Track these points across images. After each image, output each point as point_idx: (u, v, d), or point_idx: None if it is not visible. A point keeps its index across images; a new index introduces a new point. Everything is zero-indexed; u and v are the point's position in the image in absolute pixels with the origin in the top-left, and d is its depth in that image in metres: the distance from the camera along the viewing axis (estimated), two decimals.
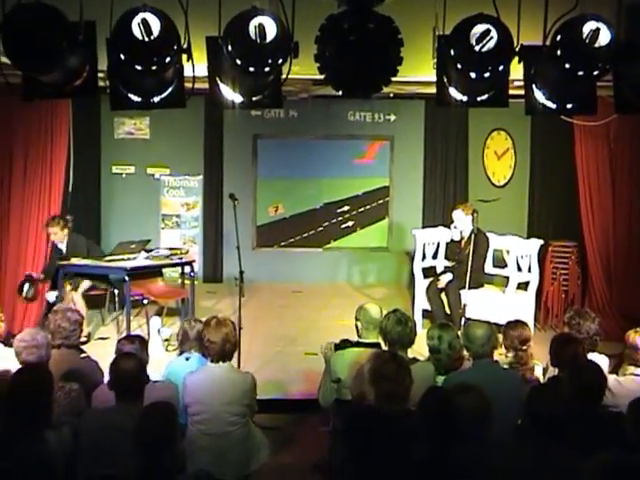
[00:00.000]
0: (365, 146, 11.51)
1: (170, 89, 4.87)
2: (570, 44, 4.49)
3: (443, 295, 8.53)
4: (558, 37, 4.52)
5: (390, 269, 11.56)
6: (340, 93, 5.01)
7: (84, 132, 10.03)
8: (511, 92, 5.15)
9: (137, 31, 4.36)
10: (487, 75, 4.60)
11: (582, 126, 8.42)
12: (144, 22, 4.34)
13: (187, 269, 8.82)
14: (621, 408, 4.42)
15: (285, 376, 7.31)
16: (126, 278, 7.89)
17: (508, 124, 10.96)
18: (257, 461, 4.99)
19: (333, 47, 4.72)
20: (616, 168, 8.75)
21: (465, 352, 5.22)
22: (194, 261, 9.05)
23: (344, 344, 5.49)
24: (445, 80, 5.04)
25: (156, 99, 4.88)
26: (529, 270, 8.59)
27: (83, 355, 5.26)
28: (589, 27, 4.43)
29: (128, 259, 8.21)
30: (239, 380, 4.90)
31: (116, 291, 8.82)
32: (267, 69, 4.59)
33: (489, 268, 9.06)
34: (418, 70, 6.05)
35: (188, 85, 4.89)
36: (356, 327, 5.46)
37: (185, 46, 4.59)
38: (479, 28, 4.52)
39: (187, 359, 5.31)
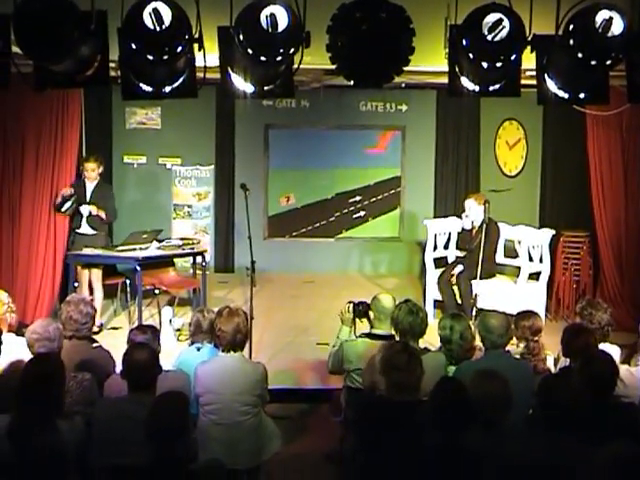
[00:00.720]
0: (377, 136, 11.47)
1: (181, 79, 4.87)
2: (583, 33, 4.46)
3: (454, 285, 8.51)
4: (571, 26, 4.50)
5: (401, 259, 11.54)
6: (352, 83, 5.01)
7: (95, 122, 10.07)
8: (523, 82, 5.14)
9: (148, 21, 4.37)
10: (499, 65, 4.59)
11: (594, 116, 8.36)
12: (155, 12, 4.34)
13: (199, 259, 8.83)
14: (633, 399, 4.42)
15: (297, 366, 7.32)
16: (138, 268, 7.90)
17: (520, 114, 10.90)
18: (269, 451, 5.00)
19: (345, 37, 4.71)
20: (628, 158, 8.69)
21: (477, 342, 5.22)
22: (206, 251, 9.06)
23: (363, 308, 5.50)
24: (457, 70, 5.03)
25: (167, 89, 4.88)
26: (540, 260, 8.57)
27: (95, 345, 5.26)
28: (602, 16, 4.41)
29: (140, 249, 8.22)
30: (250, 370, 4.90)
31: (128, 281, 8.84)
32: (279, 59, 4.59)
33: (500, 258, 9.04)
34: (430, 60, 6.01)
35: (199, 75, 4.89)
36: (368, 317, 5.47)
37: (196, 36, 4.59)
38: (491, 17, 4.50)
39: (198, 349, 5.31)
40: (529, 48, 4.72)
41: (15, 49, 4.51)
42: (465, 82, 5.02)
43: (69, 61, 4.49)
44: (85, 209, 8.25)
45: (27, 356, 4.58)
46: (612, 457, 3.11)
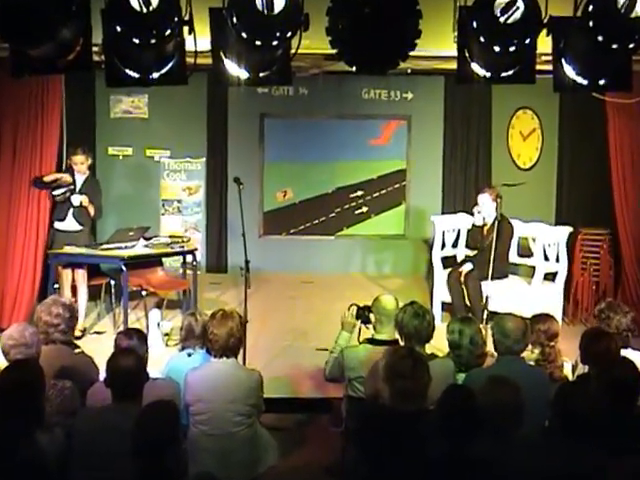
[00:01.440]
0: (380, 126, 11.47)
1: (170, 64, 4.87)
2: (603, 15, 4.46)
3: (464, 286, 8.51)
4: (590, 7, 4.49)
5: (407, 258, 11.54)
6: (354, 69, 5.01)
7: (78, 111, 10.04)
8: (538, 67, 5.14)
9: (135, 1, 4.36)
10: (512, 49, 4.58)
11: (615, 104, 8.34)
12: None
13: (189, 258, 8.84)
14: None
15: (294, 373, 7.31)
16: (123, 268, 7.88)
17: (535, 102, 10.89)
18: (264, 464, 5.00)
19: (346, 19, 4.72)
20: None
21: (489, 348, 5.22)
22: (196, 249, 9.06)
23: (366, 312, 5.51)
24: (467, 55, 5.03)
25: (155, 75, 4.88)
26: (557, 259, 8.57)
27: (77, 351, 5.26)
28: None
29: (125, 247, 8.21)
30: (244, 377, 4.90)
31: (112, 282, 8.84)
32: (275, 43, 4.59)
33: (514, 257, 9.04)
34: (438, 44, 6.02)
35: (190, 60, 4.89)
36: (367, 320, 5.48)
37: (187, 18, 4.59)
38: None
39: (189, 355, 5.32)
40: (545, 31, 4.72)
41: None
42: (475, 68, 5.02)
43: (49, 45, 4.49)
44: (76, 199, 8.27)
45: (3, 363, 4.57)
46: (632, 470, 3.11)
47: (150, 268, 8.76)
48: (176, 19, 4.49)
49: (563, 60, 4.98)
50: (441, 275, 8.93)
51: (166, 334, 8.07)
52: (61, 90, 8.42)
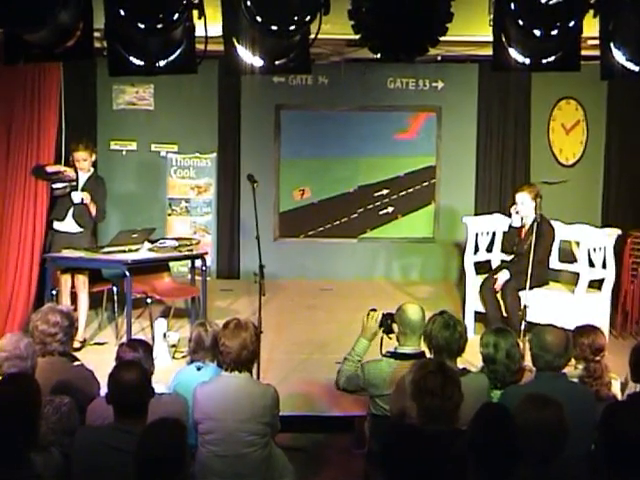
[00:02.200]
0: (407, 119, 11.47)
1: (178, 51, 4.88)
2: None
3: (499, 295, 8.48)
4: None
5: (436, 263, 11.53)
6: (378, 56, 5.00)
7: (77, 102, 10.09)
8: (583, 53, 5.10)
9: None
10: (555, 33, 4.56)
11: None
12: None
13: (198, 263, 8.84)
14: None
15: (312, 389, 7.31)
16: (127, 273, 7.91)
17: (579, 92, 10.87)
18: None
19: (370, 1, 4.70)
20: None
21: (527, 362, 5.19)
22: (206, 253, 9.09)
23: (389, 321, 5.50)
24: (504, 39, 5.01)
25: (162, 63, 4.90)
26: (603, 266, 8.51)
27: (76, 363, 5.27)
28: None
29: (129, 251, 8.24)
30: (258, 393, 4.90)
31: (115, 288, 8.86)
32: (293, 28, 4.59)
33: (555, 263, 9.00)
34: (471, 28, 6.02)
35: (200, 47, 4.90)
36: (389, 330, 5.46)
37: (196, 1, 4.59)
38: None
39: (199, 369, 5.32)
40: (591, 12, 4.69)
41: None
42: (513, 54, 5.00)
43: (46, 30, 4.51)
44: (77, 195, 8.29)
45: None
46: None
47: (156, 273, 8.78)
48: (185, 2, 4.50)
49: (612, 44, 4.94)
50: (474, 282, 8.89)
51: (173, 346, 8.09)
52: (59, 79, 8.46)
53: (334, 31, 5.19)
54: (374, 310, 5.57)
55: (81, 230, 8.38)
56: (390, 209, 11.55)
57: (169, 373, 5.69)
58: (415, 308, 5.44)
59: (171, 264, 9.15)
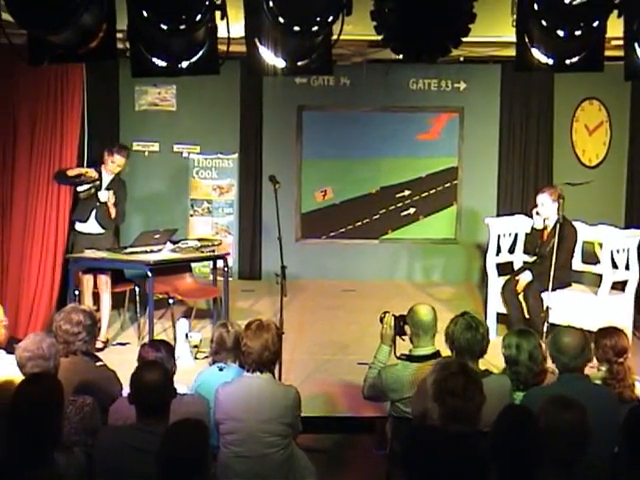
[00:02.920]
0: (430, 120, 11.45)
1: (201, 52, 4.89)
2: None
3: (522, 296, 8.45)
4: None
5: (458, 265, 11.51)
6: (401, 57, 4.99)
7: (100, 103, 10.15)
8: (607, 53, 5.08)
9: None
10: (578, 33, 4.54)
11: None
12: None
13: (220, 263, 8.87)
14: None
15: (334, 390, 7.31)
16: (149, 274, 7.94)
17: (603, 92, 10.82)
18: None
19: (393, 2, 4.70)
20: None
21: (549, 364, 5.17)
22: (228, 254, 9.10)
23: (400, 323, 5.51)
24: (527, 40, 4.99)
25: (184, 64, 4.90)
26: (627, 267, 8.47)
27: (99, 364, 5.28)
28: None
29: (151, 252, 8.27)
30: (280, 394, 4.90)
31: (137, 289, 8.90)
32: (315, 28, 4.58)
33: (578, 264, 8.95)
34: (494, 29, 6.00)
35: (222, 48, 4.90)
36: (402, 332, 5.47)
37: (219, 2, 4.60)
38: None
39: (220, 369, 5.33)
40: (616, 12, 4.66)
41: (6, 17, 4.55)
42: (537, 54, 4.98)
43: (69, 31, 4.52)
44: (104, 194, 8.34)
45: (18, 377, 4.60)
46: None
47: (178, 274, 8.81)
48: (207, 3, 4.50)
49: (636, 44, 4.91)
50: (496, 284, 8.87)
51: (195, 346, 8.11)
52: (82, 80, 8.50)
53: (356, 32, 5.19)
54: (387, 313, 5.59)
55: (103, 231, 8.42)
56: (412, 210, 11.54)
57: (191, 374, 5.70)
58: (426, 309, 5.45)
59: (193, 265, 9.18)
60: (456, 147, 11.44)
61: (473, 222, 11.12)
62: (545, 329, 7.36)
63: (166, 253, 8.38)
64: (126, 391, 4.43)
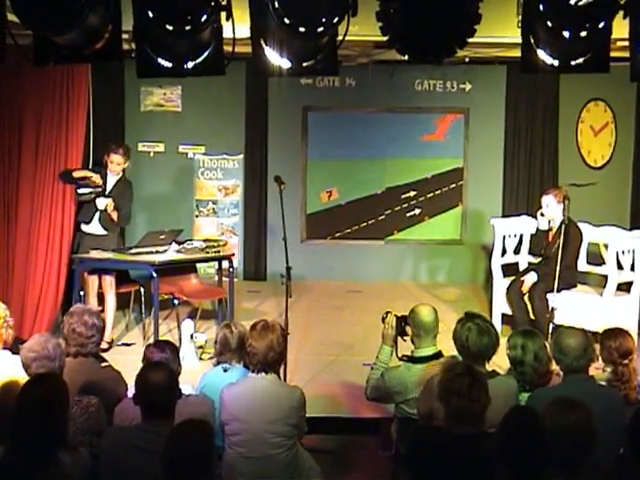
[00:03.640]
0: (435, 121, 11.44)
1: (206, 53, 4.89)
2: None
3: (527, 297, 8.44)
4: None
5: (464, 266, 11.50)
6: (406, 58, 4.99)
7: (105, 103, 10.16)
8: (613, 54, 5.07)
9: None
10: (584, 34, 4.53)
11: None
12: None
13: (225, 264, 8.87)
14: None
15: (339, 390, 7.31)
16: (154, 274, 7.94)
17: (608, 93, 10.80)
18: None
19: (398, 3, 4.69)
20: None
21: (554, 365, 5.16)
22: (233, 255, 9.10)
23: (402, 323, 5.52)
24: (532, 41, 4.98)
25: (190, 65, 4.91)
26: (632, 268, 8.45)
27: (104, 364, 5.29)
28: None
29: (157, 252, 8.27)
30: (285, 395, 4.90)
31: (142, 290, 8.91)
32: (320, 29, 4.58)
33: (583, 265, 8.94)
34: (499, 29, 6.00)
35: (227, 48, 4.91)
36: (403, 332, 5.47)
37: (224, 2, 4.60)
38: None
39: (225, 370, 5.33)
40: (621, 13, 4.65)
41: (12, 17, 4.55)
42: (542, 55, 4.98)
43: (75, 32, 4.53)
44: (102, 202, 8.29)
45: (24, 378, 4.61)
46: None
47: (183, 275, 8.81)
48: (213, 4, 4.51)
49: None
50: (501, 285, 8.86)
51: (200, 347, 8.11)
52: (87, 81, 8.50)
53: (362, 33, 5.18)
54: (388, 313, 5.59)
55: (106, 233, 8.41)
56: (417, 211, 11.53)
57: (196, 374, 5.70)
58: (428, 309, 5.46)
59: (198, 265, 9.18)
60: (461, 148, 11.43)
61: (478, 223, 11.11)
62: (550, 330, 7.35)
63: (171, 254, 8.38)
64: (131, 392, 4.43)
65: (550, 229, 8.52)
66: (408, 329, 5.47)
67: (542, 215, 8.53)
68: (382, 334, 5.61)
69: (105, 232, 8.40)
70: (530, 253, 9.11)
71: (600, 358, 5.24)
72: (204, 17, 4.49)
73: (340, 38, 4.86)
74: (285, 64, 5.04)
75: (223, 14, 4.64)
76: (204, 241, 9.03)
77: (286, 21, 4.50)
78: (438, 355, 5.34)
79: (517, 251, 9.32)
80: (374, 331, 8.06)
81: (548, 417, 3.86)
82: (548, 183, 10.50)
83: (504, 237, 9.19)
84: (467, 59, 8.42)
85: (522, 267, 9.14)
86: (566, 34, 4.54)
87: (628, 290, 8.46)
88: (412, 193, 11.49)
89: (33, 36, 4.75)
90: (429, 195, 11.49)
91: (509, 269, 9.15)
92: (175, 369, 4.69)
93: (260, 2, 4.68)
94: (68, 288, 8.45)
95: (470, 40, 4.83)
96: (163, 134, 11.25)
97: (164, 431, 3.86)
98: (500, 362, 5.46)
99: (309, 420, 5.11)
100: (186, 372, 5.17)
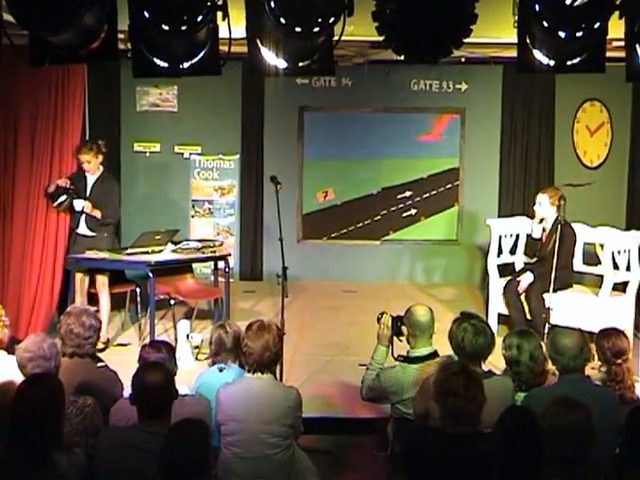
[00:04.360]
0: (431, 121, 11.44)
1: (202, 53, 4.89)
2: None
3: (523, 297, 8.45)
4: None
5: (460, 266, 11.50)
6: (402, 58, 4.99)
7: (101, 103, 10.14)
8: (609, 54, 5.08)
9: None
10: (580, 34, 4.54)
11: None
12: None
13: (221, 264, 8.87)
14: None
15: (335, 391, 7.31)
16: (150, 274, 7.94)
17: (604, 93, 10.81)
18: None
19: (394, 3, 4.70)
20: None
21: (550, 365, 5.16)
22: (229, 255, 9.08)
23: (398, 323, 5.52)
24: (528, 41, 4.99)
25: (186, 65, 4.91)
26: (628, 268, 8.46)
27: (100, 364, 5.29)
28: None
29: (152, 252, 8.26)
30: (281, 395, 4.90)
31: (138, 290, 8.90)
32: (317, 29, 4.58)
33: (579, 265, 8.95)
34: (495, 30, 6.00)
35: (223, 48, 4.90)
36: (399, 332, 5.47)
37: (220, 2, 4.60)
38: None
39: (221, 370, 5.33)
40: (617, 13, 4.66)
41: (7, 17, 4.55)
42: (538, 55, 4.98)
43: (71, 32, 4.53)
44: (78, 204, 8.18)
45: (19, 378, 4.61)
46: None
47: (179, 275, 8.80)
48: (209, 4, 4.51)
49: (637, 46, 4.91)
50: (497, 285, 8.86)
51: (196, 347, 8.10)
52: (83, 81, 8.50)
53: (358, 33, 5.19)
54: (384, 313, 5.59)
55: (94, 234, 8.33)
56: (413, 211, 11.53)
57: (192, 374, 5.70)
58: (424, 309, 5.47)
59: (194, 266, 9.16)
60: (457, 148, 11.43)
61: (474, 223, 11.11)
62: (546, 330, 7.36)
63: (167, 254, 8.37)
64: (127, 392, 4.43)
65: (544, 231, 8.54)
66: (404, 329, 5.48)
67: (540, 222, 8.54)
68: (377, 334, 5.61)
69: (93, 233, 8.34)
70: (525, 253, 9.12)
71: (596, 358, 5.25)
72: (200, 17, 4.49)
73: (336, 38, 4.86)
74: (281, 64, 5.04)
75: (219, 14, 4.64)
76: (200, 241, 9.02)
77: (282, 21, 4.50)
78: (434, 355, 5.35)
79: (513, 251, 9.33)
80: (370, 331, 8.05)
81: (548, 417, 3.86)
82: (544, 183, 10.49)
83: (500, 237, 9.20)
84: (463, 59, 8.43)
85: (518, 267, 9.15)
86: (562, 34, 4.55)
87: (624, 290, 8.47)
88: (408, 193, 11.49)
89: (29, 36, 4.75)
90: (425, 195, 11.49)
91: (505, 269, 9.17)
92: (171, 369, 4.68)
93: (256, 2, 4.68)
94: (64, 288, 8.44)
95: (466, 40, 4.84)
96: (159, 134, 11.24)
97: (160, 431, 3.86)
98: (496, 362, 5.46)
99: (305, 420, 5.11)
100: (182, 372, 5.16)
